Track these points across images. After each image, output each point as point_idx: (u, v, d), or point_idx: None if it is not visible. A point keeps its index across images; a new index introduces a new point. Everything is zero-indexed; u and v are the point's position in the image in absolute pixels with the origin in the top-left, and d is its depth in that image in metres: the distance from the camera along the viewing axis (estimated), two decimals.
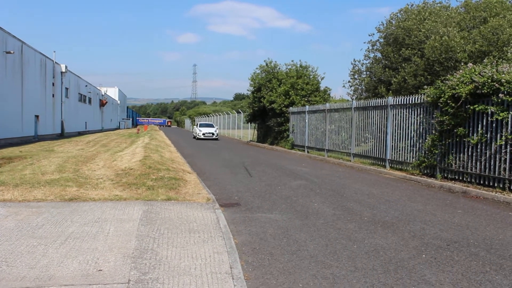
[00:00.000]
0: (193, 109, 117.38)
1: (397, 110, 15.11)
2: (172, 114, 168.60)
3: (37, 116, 31.25)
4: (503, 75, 10.44)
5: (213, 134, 39.98)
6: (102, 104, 60.56)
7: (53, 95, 35.16)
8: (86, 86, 49.54)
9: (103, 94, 62.53)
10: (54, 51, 35.59)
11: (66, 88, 39.49)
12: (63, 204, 7.91)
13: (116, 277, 4.54)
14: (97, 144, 25.31)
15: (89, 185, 9.89)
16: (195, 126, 44.66)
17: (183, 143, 33.63)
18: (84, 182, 10.15)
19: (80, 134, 43.73)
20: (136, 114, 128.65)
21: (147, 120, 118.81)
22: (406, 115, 14.52)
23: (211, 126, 42.89)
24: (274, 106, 28.52)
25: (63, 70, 37.36)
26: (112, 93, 76.85)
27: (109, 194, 8.89)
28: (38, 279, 4.38)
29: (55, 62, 35.77)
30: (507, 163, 10.36)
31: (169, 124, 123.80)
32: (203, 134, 39.47)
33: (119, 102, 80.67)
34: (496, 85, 10.47)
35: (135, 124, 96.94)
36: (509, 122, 10.34)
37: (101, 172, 11.98)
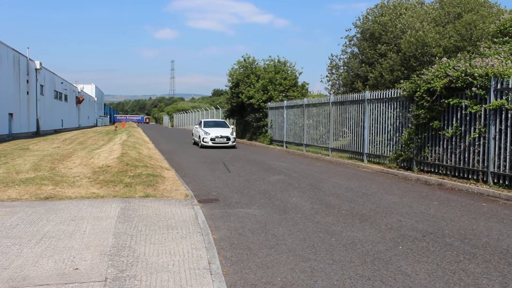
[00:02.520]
0: (171, 105, 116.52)
1: (374, 105, 15.26)
2: (150, 111, 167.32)
3: (11, 114, 30.62)
4: (476, 69, 10.63)
5: (227, 139, 24.11)
6: (78, 101, 59.68)
7: (27, 93, 34.49)
8: (62, 83, 48.73)
9: (80, 91, 61.62)
10: (28, 48, 34.90)
11: (41, 85, 38.79)
12: (39, 203, 7.78)
13: (93, 275, 4.48)
14: (74, 142, 24.95)
15: (66, 183, 9.74)
16: (197, 127, 26.82)
17: (161, 139, 33.36)
18: (60, 181, 10.00)
19: (56, 132, 43.00)
20: (114, 111, 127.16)
21: (125, 117, 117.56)
22: (383, 109, 14.68)
23: (222, 125, 26.77)
24: (252, 101, 28.52)
25: (38, 67, 36.66)
26: (89, 90, 75.79)
27: (86, 192, 8.78)
28: (12, 279, 4.30)
29: (29, 58, 35.09)
30: (481, 155, 10.58)
31: (147, 121, 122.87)
32: (213, 139, 23.83)
33: (96, 99, 79.61)
34: (470, 79, 10.65)
35: (112, 121, 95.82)
36: (482, 115, 10.55)
37: (78, 170, 11.82)
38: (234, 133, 25.11)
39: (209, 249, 5.43)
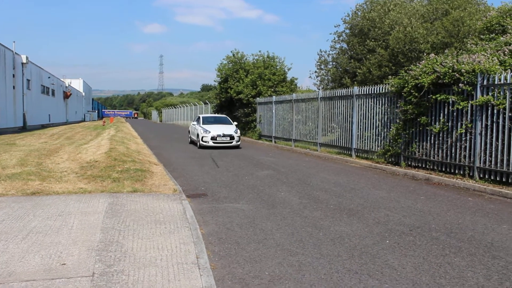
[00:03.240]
0: (160, 100, 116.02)
1: (362, 100, 15.32)
2: (139, 105, 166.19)
3: None
4: (463, 66, 10.71)
5: (231, 138, 20.72)
6: (66, 96, 59.07)
7: (13, 87, 34.07)
8: (49, 77, 48.19)
9: (67, 86, 60.96)
10: (14, 41, 34.45)
11: (28, 80, 38.34)
12: (25, 199, 7.70)
13: (80, 270, 4.46)
14: (61, 137, 24.72)
15: (53, 178, 9.66)
16: (194, 124, 23.51)
17: (149, 134, 33.20)
18: (47, 176, 9.91)
19: (43, 127, 42.57)
20: (102, 106, 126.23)
21: (113, 112, 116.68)
22: (371, 105, 14.75)
23: (224, 121, 23.44)
24: (241, 96, 28.50)
25: (24, 61, 36.20)
26: (77, 84, 75.01)
27: (73, 187, 8.71)
28: None
29: (15, 52, 34.64)
30: (467, 151, 10.68)
31: (135, 116, 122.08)
32: (214, 138, 20.49)
33: (84, 94, 78.84)
34: (457, 75, 10.74)
35: (101, 116, 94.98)
36: (469, 111, 10.65)
37: (65, 165, 11.72)
38: (239, 131, 21.27)
39: (197, 243, 5.43)
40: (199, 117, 23.47)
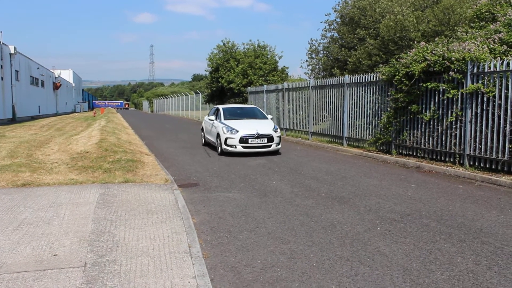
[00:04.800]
0: (150, 90, 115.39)
1: (353, 89, 15.33)
2: (130, 96, 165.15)
3: None
4: (453, 54, 10.74)
5: (270, 139, 14.00)
6: (56, 87, 58.51)
7: (1, 78, 33.68)
8: (38, 68, 47.65)
9: (57, 76, 60.34)
10: (1, 32, 33.95)
11: (16, 71, 37.89)
12: (16, 190, 7.66)
13: (72, 261, 4.46)
14: (51, 128, 24.54)
15: (43, 169, 9.61)
16: (211, 119, 15.86)
17: (141, 125, 33.04)
18: (37, 167, 9.85)
19: (33, 118, 42.19)
20: (93, 97, 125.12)
21: (104, 103, 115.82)
22: (362, 93, 14.77)
23: (254, 114, 16.40)
24: (232, 86, 28.43)
25: (12, 51, 35.74)
26: (66, 75, 74.23)
27: (64, 178, 8.67)
28: None
29: (3, 43, 34.19)
30: (457, 138, 10.75)
31: (126, 106, 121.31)
32: (243, 140, 13.79)
33: (74, 85, 78.10)
34: (447, 63, 10.77)
35: (91, 107, 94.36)
36: (459, 99, 10.69)
37: (56, 156, 11.66)
38: (278, 129, 14.74)
39: (189, 233, 5.44)
40: (217, 109, 16.19)
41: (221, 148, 14.04)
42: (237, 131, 13.74)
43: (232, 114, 15.61)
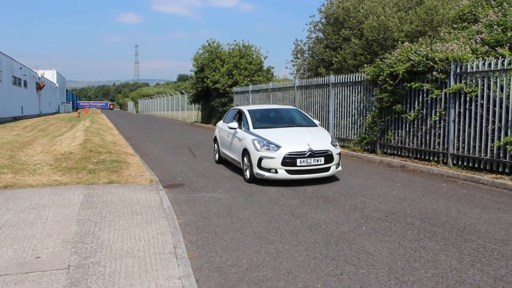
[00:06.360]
0: (136, 91, 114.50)
1: (338, 89, 15.40)
2: (115, 96, 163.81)
3: None
4: (436, 54, 10.84)
5: (328, 158, 9.07)
6: (39, 87, 57.74)
7: None
8: (20, 68, 46.99)
9: (40, 77, 59.58)
10: None
11: None
12: None
13: (55, 263, 4.40)
14: (35, 129, 24.22)
15: (26, 171, 9.48)
16: (233, 127, 10.58)
17: (126, 125, 32.77)
18: (20, 169, 9.71)
19: (16, 119, 41.58)
20: (77, 98, 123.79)
21: (88, 104, 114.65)
22: (347, 93, 14.84)
23: (298, 120, 11.11)
24: (217, 86, 28.35)
25: None
26: (50, 75, 73.29)
27: (47, 180, 8.57)
28: None
29: None
30: (441, 138, 10.86)
31: (111, 107, 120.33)
32: (289, 161, 8.80)
33: (57, 85, 77.16)
34: (431, 63, 10.87)
35: (75, 108, 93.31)
36: (443, 99, 10.80)
37: (39, 158, 11.51)
38: (336, 142, 9.93)
39: (175, 233, 5.41)
40: (239, 112, 11.39)
41: (251, 171, 9.25)
42: (278, 147, 8.97)
43: (264, 120, 10.88)
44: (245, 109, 11.20)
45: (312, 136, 9.62)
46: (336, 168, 9.40)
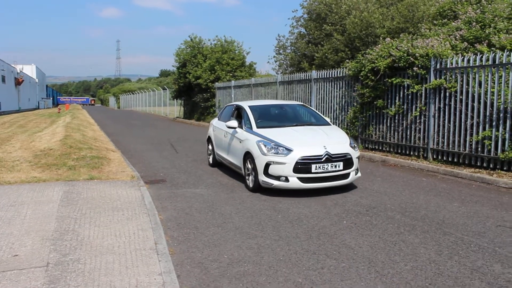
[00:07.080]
0: (117, 86, 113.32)
1: (320, 84, 15.46)
2: (96, 92, 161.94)
3: None
4: (417, 50, 10.95)
5: (347, 162, 7.72)
6: (18, 82, 56.77)
7: None
8: None
9: (19, 72, 58.59)
10: None
11: None
12: None
13: (33, 261, 4.34)
14: (13, 125, 23.83)
15: (4, 168, 9.32)
16: (228, 124, 9.16)
17: (107, 121, 32.43)
18: None
19: None
20: (57, 93, 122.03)
21: (69, 99, 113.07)
22: (329, 88, 14.90)
23: (307, 118, 9.94)
24: (200, 81, 28.23)
25: None
26: (29, 71, 72.08)
27: (26, 177, 8.44)
28: None
29: None
30: (421, 133, 10.99)
31: (92, 102, 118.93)
32: (303, 166, 7.41)
33: (37, 80, 75.95)
34: (411, 59, 10.97)
35: (56, 104, 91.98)
36: (423, 94, 10.92)
37: (18, 154, 11.32)
38: (355, 143, 8.47)
39: (156, 229, 5.38)
40: (239, 109, 9.95)
41: (255, 179, 7.91)
42: (289, 150, 7.60)
43: (268, 118, 9.54)
44: (245, 105, 9.72)
45: (327, 136, 8.26)
46: (356, 174, 8.11)
